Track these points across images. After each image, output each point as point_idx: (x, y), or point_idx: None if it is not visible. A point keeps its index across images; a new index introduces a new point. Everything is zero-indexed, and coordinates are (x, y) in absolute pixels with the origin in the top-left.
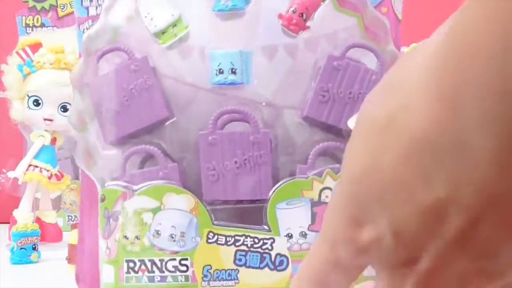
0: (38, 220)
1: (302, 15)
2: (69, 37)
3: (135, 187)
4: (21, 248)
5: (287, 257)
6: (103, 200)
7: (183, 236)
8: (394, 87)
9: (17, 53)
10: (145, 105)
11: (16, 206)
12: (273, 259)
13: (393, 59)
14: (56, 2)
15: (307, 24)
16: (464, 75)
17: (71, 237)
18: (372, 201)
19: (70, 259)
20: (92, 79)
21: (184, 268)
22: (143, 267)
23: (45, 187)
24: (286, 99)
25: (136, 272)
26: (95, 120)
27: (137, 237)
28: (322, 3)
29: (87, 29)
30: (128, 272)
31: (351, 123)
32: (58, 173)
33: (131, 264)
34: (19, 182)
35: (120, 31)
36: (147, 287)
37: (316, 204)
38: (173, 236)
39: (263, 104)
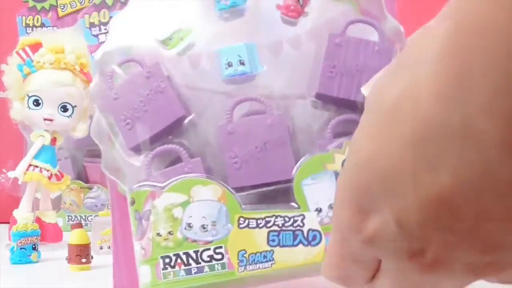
0: (38, 220)
1: (299, 1)
2: (69, 37)
3: (162, 185)
4: (21, 248)
5: (319, 231)
6: (133, 203)
7: (215, 225)
8: (402, 70)
9: (17, 53)
10: (162, 107)
11: (16, 206)
12: (305, 235)
13: (393, 30)
14: (56, 2)
15: (305, 9)
16: (472, 56)
17: (71, 237)
18: (377, 189)
19: (70, 259)
20: (108, 91)
21: (219, 257)
22: (179, 261)
23: (45, 187)
24: (297, 90)
25: (173, 267)
26: (119, 132)
27: (169, 233)
28: None
29: None
30: (165, 268)
31: (364, 89)
32: (58, 173)
33: (167, 260)
34: (19, 182)
35: (131, 47)
36: (185, 281)
37: None
38: (205, 226)
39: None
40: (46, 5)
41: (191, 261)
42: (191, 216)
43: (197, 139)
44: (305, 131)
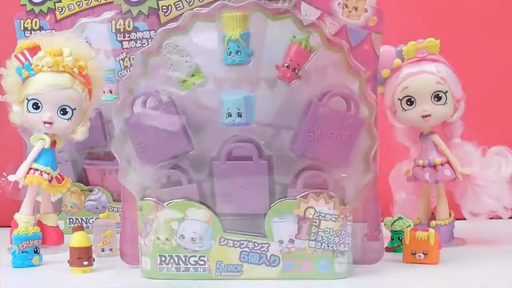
0: (39, 223)
1: (295, 70)
2: (68, 40)
3: (165, 203)
4: (22, 252)
5: (279, 257)
6: (141, 209)
7: (201, 240)
8: None
9: (16, 56)
10: (171, 140)
11: (17, 210)
12: (268, 258)
13: (368, 108)
14: (54, 5)
15: (299, 74)
16: None
17: (72, 240)
18: None
19: (71, 262)
20: (129, 115)
21: (202, 263)
22: (172, 260)
23: (46, 190)
24: (284, 121)
25: (167, 264)
26: (134, 151)
27: (167, 239)
28: (312, 55)
29: (122, 59)
30: (160, 264)
31: None
32: (59, 176)
33: (163, 258)
34: (20, 186)
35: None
36: (174, 275)
37: (301, 219)
38: (194, 239)
39: (263, 142)
40: (44, 8)
41: (181, 262)
42: (184, 230)
43: (195, 168)
44: (284, 164)
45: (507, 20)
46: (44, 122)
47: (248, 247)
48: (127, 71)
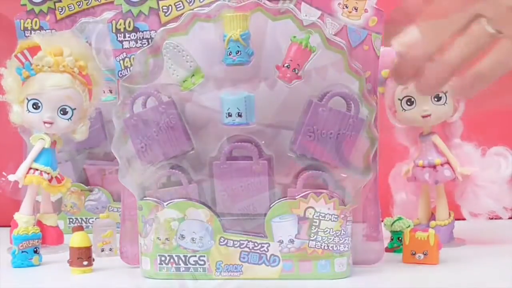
0: (39, 223)
1: (295, 70)
2: (68, 39)
3: (165, 203)
4: (22, 252)
5: (278, 257)
6: (141, 209)
7: (201, 240)
8: None
9: (16, 56)
10: (171, 140)
11: (17, 209)
12: (268, 258)
13: (369, 110)
14: (54, 5)
15: (299, 74)
16: None
17: (72, 239)
18: None
19: (71, 262)
20: (129, 115)
21: (202, 263)
22: (171, 260)
23: (46, 190)
24: (284, 121)
25: (167, 264)
26: (134, 150)
27: (167, 239)
28: (312, 55)
29: (122, 59)
30: (160, 264)
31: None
32: (59, 176)
33: (163, 258)
34: (20, 186)
35: (151, 77)
36: (175, 275)
37: (301, 219)
38: (194, 239)
39: (263, 142)
40: (44, 8)
41: (181, 262)
42: (184, 230)
43: (195, 168)
44: (283, 164)
45: None
46: (44, 122)
47: (248, 247)
48: (127, 71)
